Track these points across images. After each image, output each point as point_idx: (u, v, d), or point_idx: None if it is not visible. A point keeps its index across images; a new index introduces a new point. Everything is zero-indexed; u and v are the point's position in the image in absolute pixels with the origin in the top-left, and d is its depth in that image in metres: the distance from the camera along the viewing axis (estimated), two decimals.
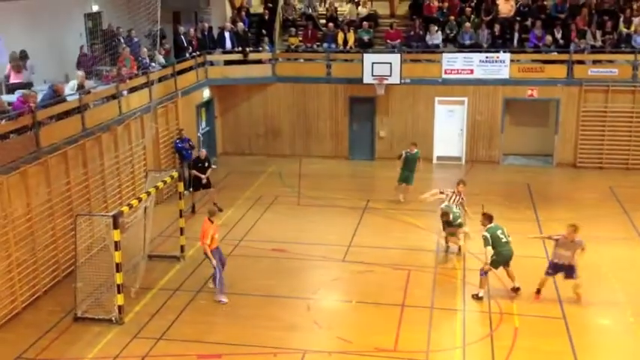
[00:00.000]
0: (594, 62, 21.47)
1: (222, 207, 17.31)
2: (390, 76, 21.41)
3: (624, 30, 21.90)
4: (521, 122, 22.62)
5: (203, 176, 17.35)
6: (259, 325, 11.77)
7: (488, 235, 12.49)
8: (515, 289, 12.72)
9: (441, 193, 15.45)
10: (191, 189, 17.70)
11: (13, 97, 14.39)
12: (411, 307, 12.37)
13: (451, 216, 14.43)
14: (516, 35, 22.35)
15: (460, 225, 14.57)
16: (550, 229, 15.86)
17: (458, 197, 15.10)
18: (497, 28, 22.46)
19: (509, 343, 10.98)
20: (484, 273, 12.56)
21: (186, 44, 21.19)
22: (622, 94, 21.03)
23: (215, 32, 22.91)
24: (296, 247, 15.18)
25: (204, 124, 22.49)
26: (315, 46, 23.66)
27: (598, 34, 21.74)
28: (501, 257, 12.55)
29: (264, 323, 11.86)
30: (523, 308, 12.18)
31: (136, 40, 19.44)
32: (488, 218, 12.83)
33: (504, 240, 12.60)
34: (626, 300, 12.45)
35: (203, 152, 17.96)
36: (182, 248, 14.58)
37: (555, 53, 21.76)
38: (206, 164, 17.58)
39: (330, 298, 13.07)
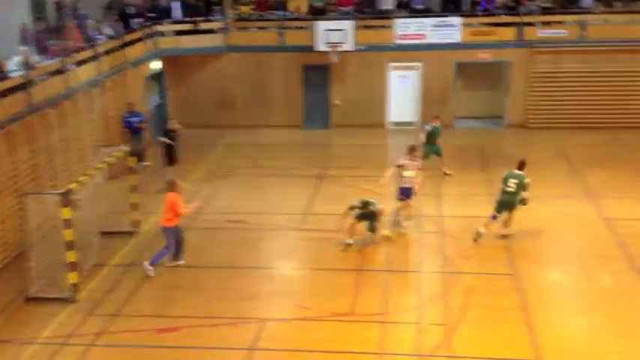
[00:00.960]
0: (544, 24, 21.73)
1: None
2: (344, 42, 21.33)
3: None
4: (473, 86, 22.89)
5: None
6: (219, 297, 11.76)
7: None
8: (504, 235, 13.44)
9: (398, 166, 14.99)
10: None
11: None
12: (368, 271, 12.52)
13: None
14: None
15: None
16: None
17: (415, 163, 14.85)
18: None
19: (463, 302, 11.22)
20: (493, 217, 13.33)
21: (133, 15, 20.69)
22: (571, 55, 21.40)
23: (164, 2, 22.41)
24: (254, 217, 15.15)
25: (155, 96, 22.12)
26: (266, 14, 23.36)
27: None
28: (499, 202, 13.34)
29: (223, 294, 11.85)
30: (476, 267, 12.44)
31: (82, 12, 18.90)
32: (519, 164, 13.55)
33: (508, 189, 13.18)
34: (575, 254, 12.82)
35: (176, 124, 17.42)
36: (135, 223, 14.41)
37: (505, 16, 21.92)
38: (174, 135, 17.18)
39: (288, 266, 13.14)
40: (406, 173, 14.02)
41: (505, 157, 19.07)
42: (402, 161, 14.15)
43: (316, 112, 22.82)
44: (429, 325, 10.57)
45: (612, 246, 13.10)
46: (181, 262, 12.86)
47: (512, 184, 13.19)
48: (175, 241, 12.68)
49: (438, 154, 17.69)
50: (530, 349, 9.83)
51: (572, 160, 18.49)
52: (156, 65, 21.69)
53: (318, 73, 22.54)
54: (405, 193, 14.06)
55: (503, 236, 13.45)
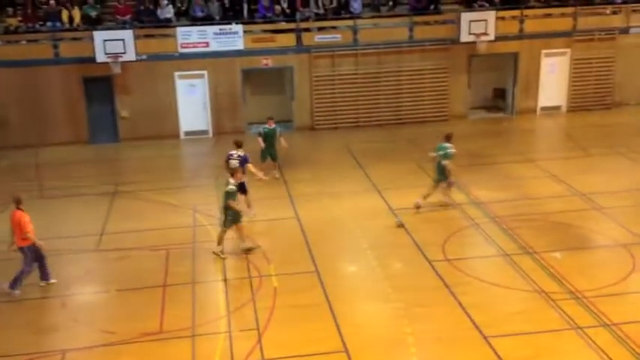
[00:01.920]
0: (319, 29, 22.92)
1: None
2: (125, 53, 20.71)
3: None
4: (261, 91, 23.50)
5: None
6: (11, 334, 10.86)
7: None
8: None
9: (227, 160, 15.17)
10: None
11: None
12: (173, 285, 12.32)
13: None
14: (245, 6, 22.94)
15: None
16: (296, 190, 16.92)
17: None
18: None
19: (270, 304, 11.51)
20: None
21: None
22: (346, 58, 22.80)
23: None
24: (44, 243, 14.13)
25: None
26: (37, 26, 21.89)
27: (320, 2, 23.18)
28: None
29: (15, 330, 10.97)
30: (280, 268, 12.82)
31: None
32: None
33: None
34: (368, 245, 13.73)
35: None
36: None
37: (283, 23, 22.76)
38: None
39: (86, 291, 12.50)
40: (232, 164, 14.50)
41: (298, 159, 19.91)
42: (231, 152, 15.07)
43: (102, 125, 21.88)
44: (239, 332, 10.71)
45: (400, 234, 14.23)
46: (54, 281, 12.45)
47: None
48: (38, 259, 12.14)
49: (274, 158, 17.82)
50: (337, 340, 10.37)
51: (357, 157, 19.75)
52: None
53: (100, 85, 21.63)
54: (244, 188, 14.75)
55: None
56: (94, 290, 12.56)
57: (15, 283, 12.08)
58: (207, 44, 21.92)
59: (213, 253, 13.35)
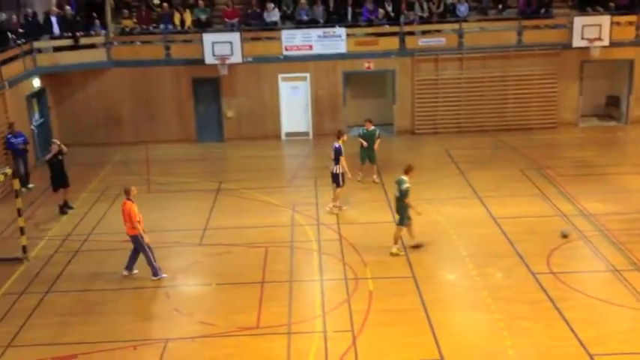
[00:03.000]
0: (424, 33, 22.67)
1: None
2: (232, 55, 21.29)
3: (449, 0, 23.30)
4: (362, 94, 23.51)
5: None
6: (116, 320, 11.38)
7: None
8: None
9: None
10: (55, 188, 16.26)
11: None
12: (271, 282, 12.52)
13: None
14: (350, 10, 23.02)
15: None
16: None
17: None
18: (331, 3, 23.02)
19: (365, 307, 11.46)
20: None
21: (9, 32, 19.66)
22: (450, 62, 22.43)
23: (40, 17, 21.46)
24: (150, 235, 14.59)
25: (37, 115, 21.11)
26: (151, 28, 22.92)
27: (425, 5, 22.94)
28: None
29: (121, 317, 11.49)
30: (376, 272, 12.74)
31: None
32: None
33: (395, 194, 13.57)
34: (467, 254, 13.41)
35: (58, 146, 16.20)
36: (24, 249, 13.66)
37: (387, 26, 22.68)
38: (61, 157, 16.20)
39: (189, 283, 12.90)
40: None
41: (397, 162, 19.72)
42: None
43: (209, 125, 22.62)
44: (333, 333, 10.72)
45: (501, 243, 13.82)
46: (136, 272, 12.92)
47: (396, 189, 13.52)
48: (135, 249, 12.75)
49: (372, 161, 17.86)
50: (433, 348, 10.17)
51: (458, 162, 19.36)
52: (36, 83, 20.70)
53: (208, 86, 22.37)
54: (335, 180, 15.54)
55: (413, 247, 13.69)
56: (196, 283, 12.96)
57: (154, 269, 12.66)
58: (310, 47, 22.19)
59: (391, 254, 13.32)
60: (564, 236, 13.77)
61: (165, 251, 14.08)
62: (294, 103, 22.60)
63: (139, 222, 12.49)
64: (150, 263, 12.65)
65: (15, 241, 13.91)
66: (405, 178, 13.35)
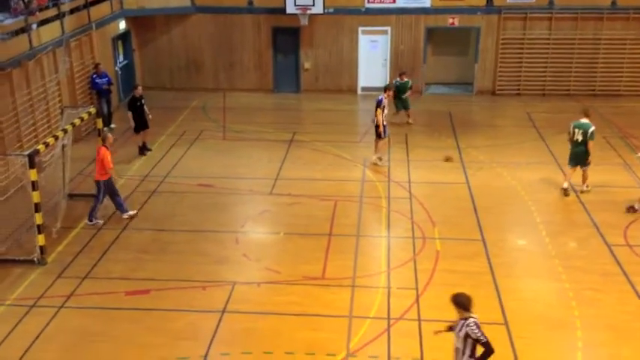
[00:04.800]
0: None
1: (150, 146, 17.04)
2: (313, 5, 21.09)
3: None
4: (443, 51, 22.91)
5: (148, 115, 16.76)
6: (188, 260, 11.76)
7: None
8: None
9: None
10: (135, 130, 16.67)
11: None
12: (338, 235, 12.60)
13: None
14: None
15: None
16: (470, 156, 16.45)
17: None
18: None
19: (430, 266, 11.40)
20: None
21: None
22: (539, 22, 21.50)
23: None
24: (222, 181, 15.10)
25: (121, 57, 21.67)
26: None
27: None
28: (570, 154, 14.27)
29: (192, 258, 11.86)
30: (444, 232, 12.61)
31: None
32: None
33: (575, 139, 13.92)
34: (541, 220, 13.06)
35: (139, 90, 16.73)
36: None
37: None
38: (143, 101, 16.66)
39: (258, 230, 13.15)
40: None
41: (474, 124, 19.34)
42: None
43: (286, 75, 22.64)
44: (397, 289, 10.73)
45: (578, 212, 13.39)
46: (132, 212, 13.40)
47: (579, 134, 13.67)
48: (111, 194, 13.20)
49: (407, 107, 19.19)
50: (498, 312, 10.06)
51: (540, 126, 18.73)
52: (122, 25, 21.20)
53: (287, 36, 22.30)
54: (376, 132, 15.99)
55: (582, 192, 13.99)
56: (264, 231, 13.19)
57: (91, 215, 13.05)
58: (394, 0, 21.71)
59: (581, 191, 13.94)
60: (631, 208, 13.21)
61: (237, 198, 14.38)
62: (372, 57, 22.28)
63: (111, 169, 12.87)
64: (95, 209, 13.02)
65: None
66: (588, 121, 13.72)
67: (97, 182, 13.01)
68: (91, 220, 13.06)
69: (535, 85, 21.92)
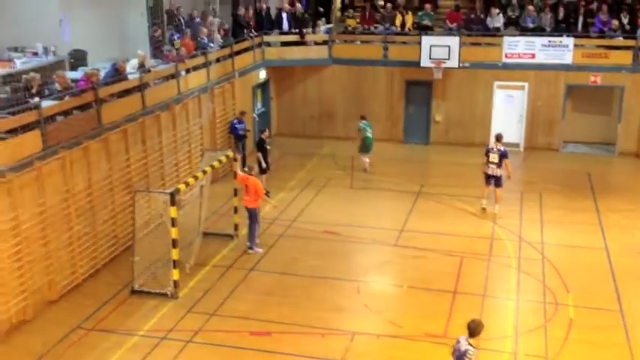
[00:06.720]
0: None
1: (270, 189, 17.55)
2: (448, 59, 21.08)
3: None
4: (583, 109, 21.99)
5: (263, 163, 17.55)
6: (309, 306, 11.86)
7: None
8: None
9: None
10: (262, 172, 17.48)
11: (77, 74, 14.77)
12: (463, 293, 12.25)
13: None
14: (581, 19, 21.66)
15: None
16: (609, 220, 15.56)
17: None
18: (561, 11, 21.83)
19: (563, 335, 10.77)
20: None
21: (244, 25, 21.31)
22: None
23: (273, 13, 22.97)
24: (348, 229, 15.20)
25: (259, 104, 22.65)
26: (372, 28, 23.47)
27: None
28: None
29: (313, 304, 11.95)
30: (579, 300, 11.91)
31: (197, 20, 19.69)
32: None
33: None
34: None
35: (266, 133, 18.04)
36: (236, 226, 14.76)
37: (621, 39, 20.99)
38: (267, 145, 17.73)
39: (380, 281, 13.05)
40: (492, 158, 15.79)
41: (616, 186, 18.30)
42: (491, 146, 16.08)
43: (417, 127, 22.65)
44: (524, 356, 10.22)
45: None
46: (259, 250, 14.03)
47: None
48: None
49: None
50: None
51: None
52: (262, 74, 22.22)
53: (420, 89, 22.37)
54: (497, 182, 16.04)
55: None
56: (387, 282, 13.06)
57: (252, 242, 13.70)
58: (533, 56, 21.23)
59: None
60: None
61: (360, 247, 14.40)
62: (507, 112, 21.79)
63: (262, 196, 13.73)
64: (253, 236, 13.64)
65: (229, 219, 15.05)
66: None
67: (252, 209, 13.71)
68: (251, 248, 13.83)
69: None
